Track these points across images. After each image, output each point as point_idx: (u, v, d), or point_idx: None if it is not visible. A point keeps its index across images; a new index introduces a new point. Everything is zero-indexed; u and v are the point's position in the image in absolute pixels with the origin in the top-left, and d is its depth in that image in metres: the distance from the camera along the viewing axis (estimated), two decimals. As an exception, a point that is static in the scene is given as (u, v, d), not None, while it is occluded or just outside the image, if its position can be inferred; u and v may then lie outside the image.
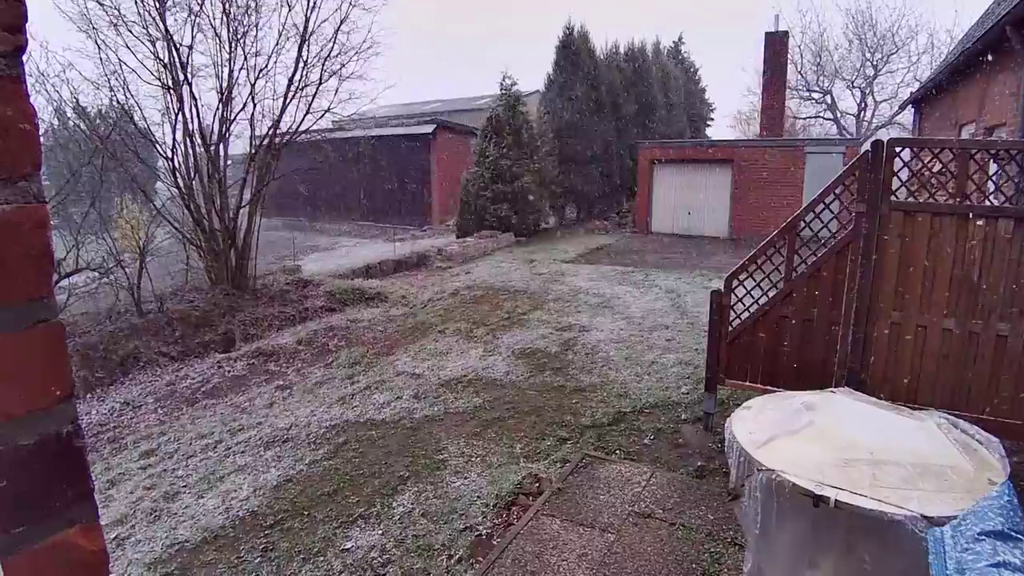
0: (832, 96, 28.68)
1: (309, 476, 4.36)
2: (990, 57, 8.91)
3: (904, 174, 4.03)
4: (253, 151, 9.61)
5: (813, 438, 2.52)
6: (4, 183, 0.49)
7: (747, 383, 4.60)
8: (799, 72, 28.09)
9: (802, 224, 4.41)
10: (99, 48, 8.06)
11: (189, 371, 6.89)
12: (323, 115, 10.24)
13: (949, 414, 2.76)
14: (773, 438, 2.53)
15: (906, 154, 4.16)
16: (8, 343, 0.50)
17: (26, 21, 0.52)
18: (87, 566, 0.57)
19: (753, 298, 4.61)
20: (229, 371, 6.80)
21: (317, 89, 9.77)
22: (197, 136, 8.95)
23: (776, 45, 19.00)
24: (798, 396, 2.98)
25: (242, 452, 4.81)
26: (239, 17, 8.96)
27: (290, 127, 9.80)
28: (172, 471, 4.59)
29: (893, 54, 26.40)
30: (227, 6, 8.78)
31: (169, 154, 8.82)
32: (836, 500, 2.12)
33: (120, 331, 7.58)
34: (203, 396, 6.16)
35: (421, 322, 8.37)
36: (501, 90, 16.83)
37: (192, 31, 8.60)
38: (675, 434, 4.78)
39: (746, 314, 4.63)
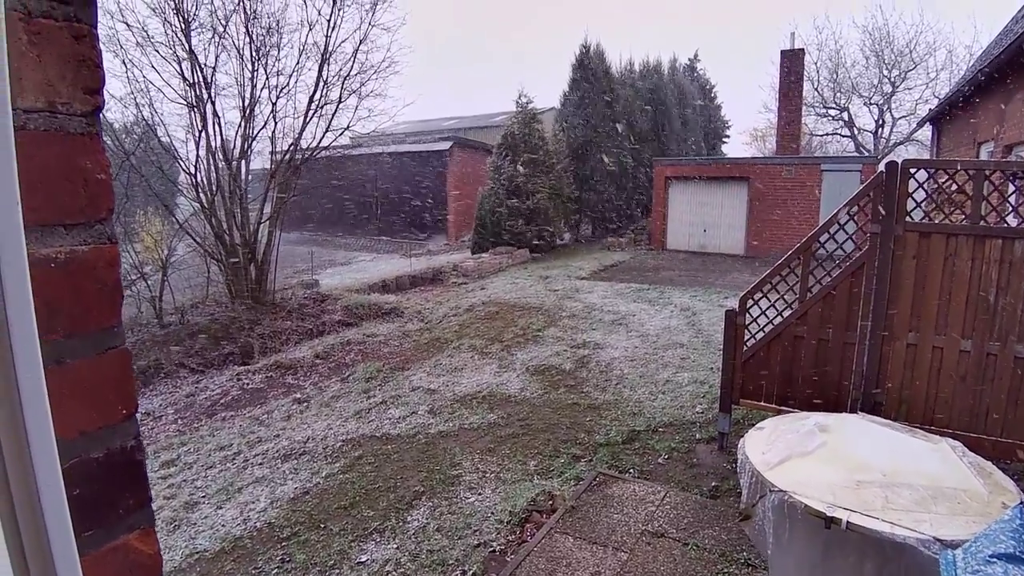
0: (849, 113, 28.54)
1: (325, 489, 4.41)
2: (1008, 75, 8.89)
3: (919, 195, 4.04)
4: (274, 167, 9.82)
5: (826, 459, 2.53)
6: (83, 227, 0.56)
7: (762, 403, 4.59)
8: (816, 89, 27.98)
9: (817, 244, 4.42)
10: (126, 67, 8.33)
11: (209, 383, 7.01)
12: (342, 132, 10.44)
13: (966, 436, 2.75)
14: (786, 459, 2.55)
15: (921, 175, 4.17)
16: (84, 367, 0.56)
17: (103, 84, 0.59)
18: (144, 568, 0.63)
19: (768, 318, 4.62)
20: (248, 383, 6.91)
21: (337, 107, 10.00)
22: (219, 152, 9.17)
23: (792, 62, 19.02)
24: (811, 417, 3.00)
25: (260, 464, 4.88)
26: (261, 38, 9.22)
27: (310, 144, 10.01)
28: (191, 481, 4.67)
29: (911, 71, 26.18)
30: (250, 27, 9.03)
31: (192, 170, 9.05)
32: (848, 522, 2.13)
33: (142, 342, 7.75)
34: (222, 408, 6.27)
35: (436, 337, 8.44)
36: (517, 108, 17.03)
37: (216, 51, 8.87)
38: (689, 453, 4.78)
39: (761, 334, 4.63)
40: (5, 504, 0.47)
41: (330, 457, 4.93)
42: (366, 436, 5.29)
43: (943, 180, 4.06)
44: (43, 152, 0.54)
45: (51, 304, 0.53)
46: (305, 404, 6.17)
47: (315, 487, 4.45)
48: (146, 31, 8.28)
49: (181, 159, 9.24)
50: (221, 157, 9.20)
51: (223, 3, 8.80)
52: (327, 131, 10.06)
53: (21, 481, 0.47)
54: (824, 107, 28.77)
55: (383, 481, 4.48)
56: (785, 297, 4.60)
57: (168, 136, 9.14)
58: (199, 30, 8.68)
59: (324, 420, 5.69)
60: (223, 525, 4.02)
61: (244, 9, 8.92)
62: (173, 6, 8.25)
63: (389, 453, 4.95)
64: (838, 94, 28.18)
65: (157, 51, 8.42)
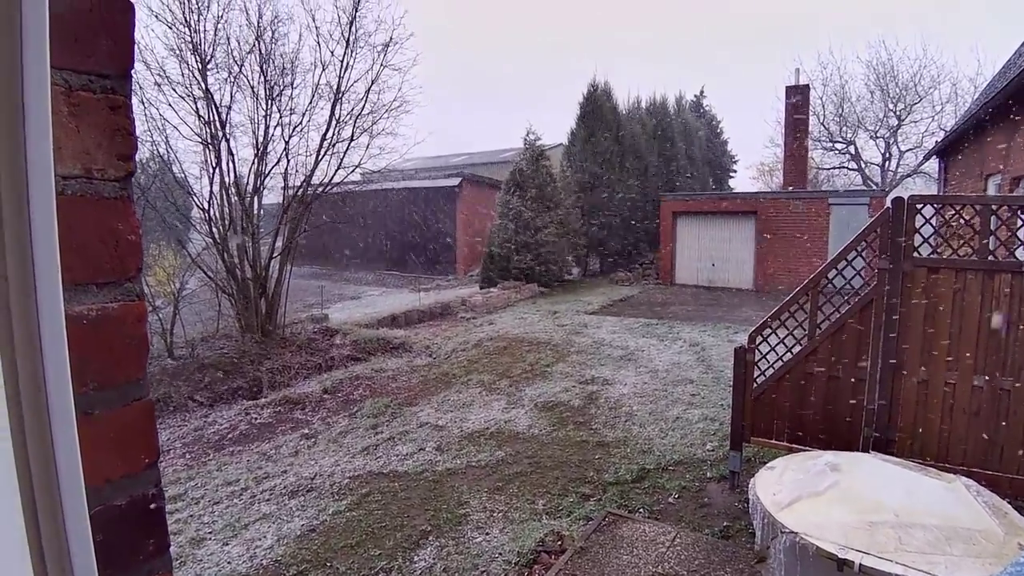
0: (856, 146, 28.70)
1: (332, 527, 4.38)
2: (1013, 108, 8.96)
3: (927, 230, 4.06)
4: (286, 204, 9.98)
5: (837, 500, 2.50)
6: (114, 285, 0.60)
7: (772, 441, 4.55)
8: (821, 123, 28.20)
9: (825, 280, 4.43)
10: (144, 106, 8.57)
11: (217, 417, 7.02)
12: (353, 170, 10.62)
13: (981, 474, 2.72)
14: (797, 499, 2.52)
15: (928, 210, 4.19)
16: (111, 418, 0.60)
17: (136, 151, 0.63)
18: (160, 612, 0.65)
19: (777, 354, 4.61)
20: (256, 418, 6.91)
21: (348, 145, 10.18)
22: (232, 188, 9.35)
23: (797, 98, 19.29)
24: (823, 456, 2.97)
25: (267, 500, 4.85)
26: (276, 77, 9.47)
27: (322, 180, 10.18)
28: (198, 517, 4.65)
29: (916, 104, 26.35)
30: (265, 67, 9.30)
31: (205, 205, 9.22)
32: (861, 564, 2.10)
33: (152, 376, 7.79)
34: (230, 442, 6.26)
35: (444, 373, 8.44)
36: (525, 145, 17.29)
37: (231, 91, 9.11)
38: (700, 493, 4.71)
39: (771, 370, 4.61)
40: (35, 550, 0.49)
41: (337, 494, 4.89)
42: (373, 473, 5.26)
43: (950, 215, 4.08)
44: (79, 215, 0.58)
45: (83, 358, 0.56)
46: (313, 440, 6.16)
47: (322, 524, 4.42)
48: (164, 70, 8.54)
49: (195, 194, 9.43)
50: (234, 193, 9.38)
51: (239, 44, 9.09)
52: (339, 168, 10.24)
53: (51, 528, 0.49)
54: (830, 141, 28.96)
55: (390, 519, 4.44)
56: (794, 333, 4.58)
57: (183, 172, 9.34)
58: (215, 70, 8.95)
59: (332, 456, 5.67)
60: (229, 562, 3.99)
61: (259, 50, 9.20)
62: (191, 46, 8.52)
63: (396, 491, 4.91)
64: (844, 128, 28.39)
65: (174, 90, 8.67)
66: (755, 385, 4.64)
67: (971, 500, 2.48)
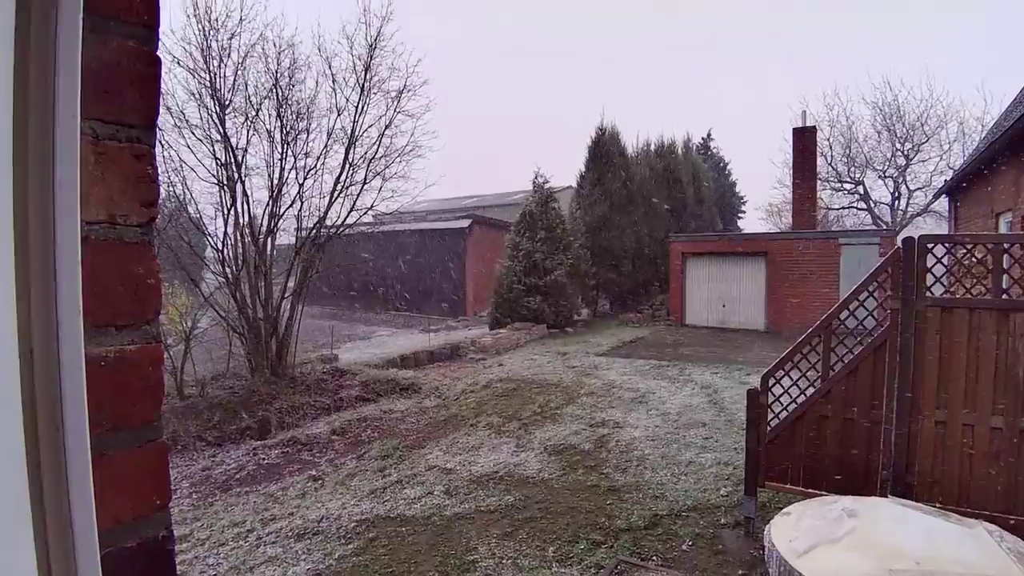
0: (864, 186, 28.74)
1: (338, 572, 4.29)
2: (1021, 146, 8.99)
3: (938, 270, 4.04)
4: (299, 245, 10.12)
5: (855, 546, 2.43)
6: (132, 327, 0.62)
7: (787, 485, 4.45)
8: (829, 164, 28.35)
9: (837, 321, 4.40)
10: (163, 147, 8.79)
11: (225, 457, 6.97)
12: (366, 212, 10.77)
13: (1003, 519, 2.64)
14: (814, 546, 2.45)
15: (939, 249, 4.17)
16: (125, 459, 0.60)
17: (159, 197, 0.66)
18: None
19: (791, 396, 4.55)
20: (264, 459, 6.86)
21: (361, 188, 10.36)
22: (246, 229, 9.49)
23: (804, 139, 19.46)
24: (839, 501, 2.90)
25: (273, 543, 4.78)
26: (292, 122, 9.72)
27: (334, 222, 10.33)
28: (203, 559, 4.57)
29: (924, 143, 26.40)
30: (281, 112, 9.55)
31: (219, 246, 9.36)
32: (883, 617, 2.03)
33: (162, 413, 7.77)
34: (237, 483, 6.20)
35: (453, 415, 8.37)
36: (534, 187, 17.51)
37: (248, 134, 9.34)
38: (715, 539, 4.59)
39: (784, 413, 4.54)
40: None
41: (344, 538, 4.81)
42: (381, 517, 5.18)
43: (962, 254, 4.06)
44: (101, 260, 0.60)
45: (100, 400, 0.57)
46: (320, 481, 6.09)
47: (328, 569, 4.33)
48: (183, 113, 8.79)
49: (209, 235, 9.58)
50: (248, 234, 9.52)
51: (256, 90, 9.37)
52: (351, 210, 10.40)
53: (62, 568, 0.49)
54: (839, 181, 29.05)
55: (397, 565, 4.35)
56: (808, 375, 4.53)
57: (198, 212, 9.51)
58: (233, 114, 9.20)
59: (339, 499, 5.60)
60: (232, 611, 3.90)
61: (277, 95, 9.46)
62: (210, 91, 8.78)
63: (404, 535, 4.82)
64: (852, 168, 28.50)
65: (193, 133, 8.91)
66: (769, 428, 4.56)
67: (995, 546, 2.40)
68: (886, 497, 3.37)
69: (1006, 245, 3.89)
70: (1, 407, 0.48)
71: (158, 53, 0.69)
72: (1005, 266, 3.85)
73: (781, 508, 2.91)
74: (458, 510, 5.24)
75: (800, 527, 2.65)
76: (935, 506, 3.20)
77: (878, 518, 2.65)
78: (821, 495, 3.78)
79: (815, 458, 4.37)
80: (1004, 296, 3.84)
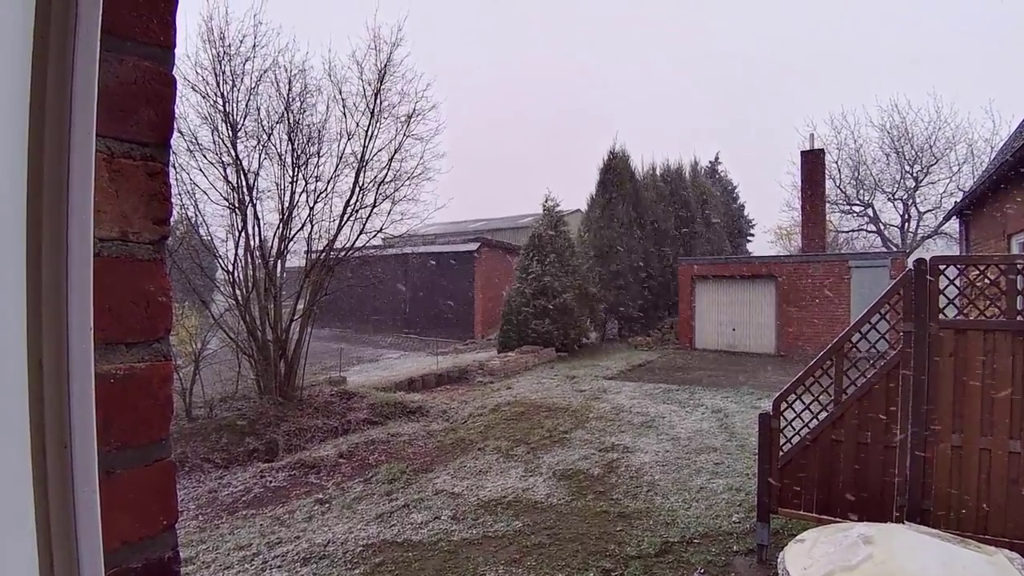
0: (874, 209, 28.63)
1: (343, 599, 4.23)
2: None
3: (951, 291, 4.00)
4: (308, 267, 10.17)
5: (872, 574, 2.37)
6: (143, 345, 0.62)
7: (801, 511, 4.36)
8: (838, 187, 28.29)
9: (849, 344, 4.35)
10: (176, 170, 8.91)
11: (232, 479, 6.94)
12: (375, 235, 10.84)
13: (1023, 546, 2.57)
14: (829, 574, 2.39)
15: (951, 271, 4.13)
16: (132, 478, 0.60)
17: (171, 215, 0.66)
18: None
19: (803, 421, 4.48)
20: (270, 481, 6.82)
21: (371, 211, 10.43)
22: (257, 252, 9.57)
23: (813, 162, 19.47)
24: (854, 528, 2.83)
25: (279, 567, 4.72)
26: (302, 146, 9.84)
27: (344, 245, 10.39)
28: (208, 587, 4.53)
29: (933, 165, 26.29)
30: (292, 136, 9.68)
31: (230, 268, 9.43)
32: (902, 649, 1.97)
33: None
34: (243, 506, 6.16)
35: (461, 438, 8.31)
36: (543, 211, 17.59)
37: (259, 158, 9.47)
38: (727, 567, 4.49)
39: (797, 438, 4.47)
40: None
41: (350, 563, 4.75)
42: (387, 541, 5.11)
43: (974, 275, 4.02)
44: (113, 277, 0.60)
45: (108, 417, 0.57)
46: (327, 505, 6.03)
47: (333, 597, 4.27)
48: (196, 137, 8.93)
49: (220, 257, 9.66)
50: (258, 256, 9.59)
51: (268, 114, 9.51)
52: (361, 233, 10.46)
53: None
54: (848, 204, 28.98)
55: (404, 591, 4.28)
56: (820, 399, 4.47)
57: (209, 234, 9.61)
58: (245, 138, 9.33)
59: (345, 523, 5.54)
60: (236, 637, 3.85)
61: (288, 120, 9.60)
62: (223, 115, 8.93)
63: (410, 561, 4.76)
64: (861, 191, 28.43)
65: (205, 156, 9.03)
66: (781, 453, 4.49)
67: (1016, 574, 2.34)
68: (902, 523, 3.29)
69: (1019, 265, 3.85)
70: (9, 422, 0.48)
71: (173, 74, 0.70)
72: (1020, 287, 3.80)
73: (795, 535, 2.85)
74: (465, 535, 5.17)
75: (814, 554, 2.59)
76: (953, 533, 3.12)
77: (895, 545, 2.59)
78: (836, 521, 3.70)
79: (829, 483, 4.29)
80: (1019, 318, 3.78)
